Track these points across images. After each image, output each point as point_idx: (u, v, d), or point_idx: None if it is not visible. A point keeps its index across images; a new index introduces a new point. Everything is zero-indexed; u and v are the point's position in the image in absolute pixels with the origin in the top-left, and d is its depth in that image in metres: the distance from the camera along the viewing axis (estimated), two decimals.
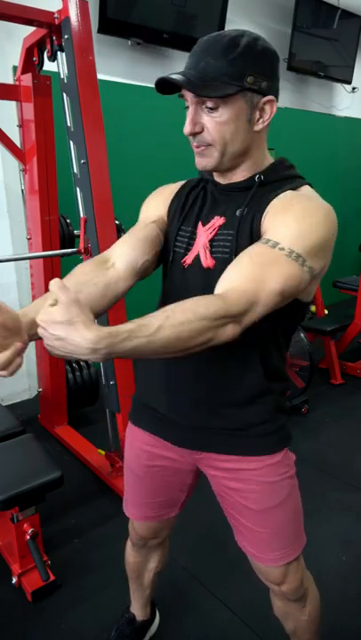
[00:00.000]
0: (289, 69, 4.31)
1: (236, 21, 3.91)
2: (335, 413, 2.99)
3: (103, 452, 2.34)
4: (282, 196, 0.91)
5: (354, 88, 5.18)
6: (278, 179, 0.95)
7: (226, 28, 3.66)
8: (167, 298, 0.99)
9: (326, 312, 3.79)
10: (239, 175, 0.96)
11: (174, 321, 0.73)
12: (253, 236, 0.91)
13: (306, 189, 0.94)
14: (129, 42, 3.35)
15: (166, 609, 1.61)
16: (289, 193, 0.91)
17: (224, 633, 1.55)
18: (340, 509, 2.11)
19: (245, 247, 0.88)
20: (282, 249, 0.83)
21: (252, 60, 0.86)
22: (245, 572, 1.66)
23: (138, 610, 1.47)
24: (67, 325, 0.67)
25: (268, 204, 0.91)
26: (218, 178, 1.00)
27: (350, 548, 1.89)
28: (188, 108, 0.90)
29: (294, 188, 0.92)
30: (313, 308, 3.81)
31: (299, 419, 2.89)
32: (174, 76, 0.85)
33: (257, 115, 0.90)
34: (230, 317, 0.78)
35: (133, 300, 2.29)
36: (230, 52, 0.85)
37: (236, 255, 0.89)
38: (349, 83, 4.96)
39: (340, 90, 5.12)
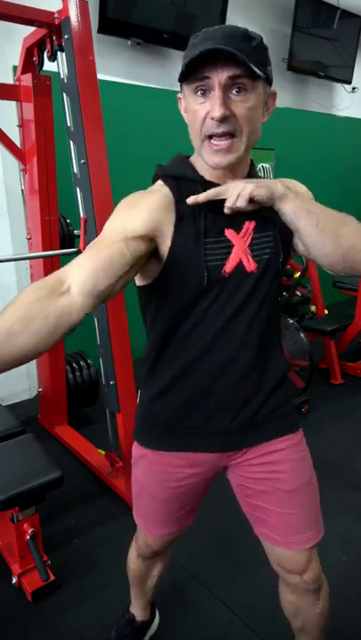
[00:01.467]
0: (289, 69, 4.32)
1: (236, 21, 3.92)
2: (335, 413, 2.99)
3: (103, 452, 2.34)
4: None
5: (354, 88, 5.18)
6: (256, 172, 1.03)
7: None
8: (208, 308, 0.94)
9: (326, 312, 3.79)
10: (238, 173, 0.97)
11: None
12: (289, 234, 0.98)
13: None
14: (129, 42, 3.35)
15: (166, 609, 1.61)
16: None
17: (224, 633, 1.55)
18: (341, 509, 2.11)
19: (286, 245, 0.98)
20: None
21: (267, 52, 0.89)
22: (245, 572, 1.67)
23: (138, 611, 1.47)
24: None
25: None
26: (215, 178, 0.96)
27: (350, 548, 1.89)
28: (203, 92, 0.86)
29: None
30: (313, 308, 3.81)
31: (299, 419, 2.88)
32: (227, 48, 0.80)
33: (265, 107, 0.92)
34: None
35: (134, 303, 2.29)
36: (252, 41, 0.85)
37: (282, 253, 0.97)
38: (349, 83, 4.96)
39: (341, 90, 5.12)
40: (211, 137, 0.88)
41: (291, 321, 2.91)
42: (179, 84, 0.92)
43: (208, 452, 1.05)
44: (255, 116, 0.89)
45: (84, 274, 0.82)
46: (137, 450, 1.13)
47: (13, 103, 2.38)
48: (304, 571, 1.08)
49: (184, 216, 0.93)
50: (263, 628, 1.54)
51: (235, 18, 3.87)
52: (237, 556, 1.70)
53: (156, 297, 1.00)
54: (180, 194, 0.94)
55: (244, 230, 0.96)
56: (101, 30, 3.11)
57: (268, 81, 0.89)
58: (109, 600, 1.65)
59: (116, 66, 3.38)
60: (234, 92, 0.85)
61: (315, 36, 4.35)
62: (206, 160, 0.92)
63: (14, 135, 2.40)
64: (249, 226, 0.95)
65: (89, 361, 2.88)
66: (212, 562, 1.82)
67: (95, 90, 1.91)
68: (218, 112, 0.84)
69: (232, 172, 0.95)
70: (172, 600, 1.66)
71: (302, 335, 2.88)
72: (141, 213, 0.90)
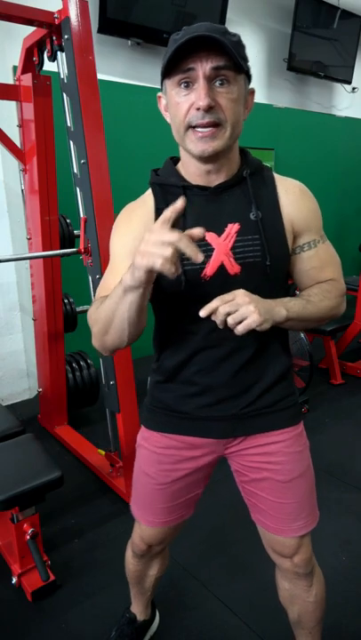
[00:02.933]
0: (289, 69, 4.32)
1: (236, 21, 3.92)
2: (335, 413, 2.99)
3: (103, 452, 2.34)
4: (279, 187, 1.01)
5: (354, 88, 5.18)
6: (256, 168, 1.00)
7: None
8: (196, 310, 0.89)
9: None
10: (224, 173, 0.97)
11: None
12: (282, 234, 0.99)
13: (272, 172, 1.05)
14: (129, 42, 3.35)
15: (166, 609, 1.61)
16: (279, 183, 1.02)
17: (224, 633, 1.55)
18: (340, 509, 2.11)
19: (277, 247, 0.98)
20: (320, 241, 1.05)
21: (245, 49, 0.90)
22: (246, 572, 1.67)
23: (138, 610, 1.47)
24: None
25: (277, 202, 0.99)
26: (200, 181, 0.97)
27: (350, 548, 1.89)
28: (186, 85, 0.87)
29: (272, 174, 1.03)
30: None
31: (301, 413, 2.88)
32: (213, 34, 0.82)
33: (245, 104, 0.94)
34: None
35: None
36: (232, 36, 0.87)
37: (269, 257, 0.96)
38: (349, 83, 4.96)
39: (341, 90, 5.12)
40: (195, 127, 0.88)
41: None
42: (160, 81, 0.94)
43: (206, 437, 1.08)
44: (238, 108, 0.90)
45: None
46: (141, 433, 1.17)
47: (13, 103, 2.38)
48: (294, 554, 1.13)
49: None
50: (263, 628, 1.54)
51: (235, 18, 3.87)
52: (237, 556, 1.70)
53: (152, 298, 1.01)
54: (164, 201, 0.96)
55: (226, 233, 0.95)
56: (101, 30, 3.11)
57: (249, 77, 0.92)
58: (109, 600, 1.65)
59: (116, 66, 3.38)
60: (217, 83, 0.86)
61: (315, 35, 4.35)
62: (191, 149, 0.91)
63: (14, 135, 2.40)
64: (232, 228, 0.94)
65: (89, 361, 2.88)
66: (212, 562, 1.82)
67: (95, 90, 1.91)
68: (204, 101, 0.85)
69: (218, 170, 0.96)
70: (172, 600, 1.66)
71: (302, 335, 2.88)
72: (127, 241, 0.97)
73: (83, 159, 1.92)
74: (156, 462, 1.12)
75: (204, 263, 0.95)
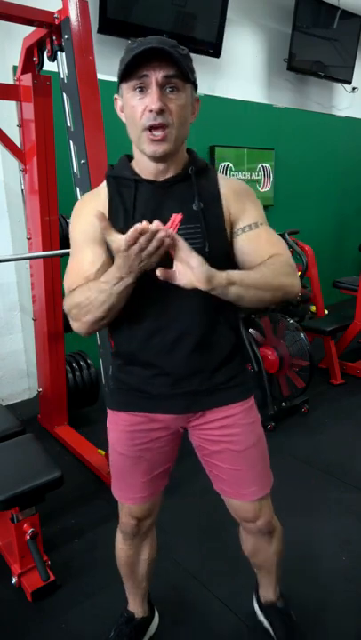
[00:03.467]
0: (289, 69, 4.31)
1: (236, 21, 3.92)
2: (335, 413, 2.99)
3: (103, 452, 2.34)
4: (221, 183, 1.12)
5: (354, 88, 5.18)
6: (201, 167, 1.12)
7: (226, 28, 3.67)
8: (138, 298, 1.04)
9: (326, 312, 3.79)
10: (172, 170, 1.08)
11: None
12: (221, 223, 1.09)
13: (217, 172, 1.17)
14: (129, 42, 3.35)
15: (166, 609, 1.61)
16: (221, 179, 1.13)
17: (224, 633, 1.55)
18: (341, 509, 2.11)
19: (215, 235, 1.07)
20: (261, 224, 1.12)
21: (192, 63, 1.03)
22: (246, 572, 1.66)
23: (136, 607, 1.47)
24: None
25: (219, 195, 1.10)
26: (150, 176, 1.08)
27: (350, 548, 1.89)
28: (141, 90, 0.99)
29: (215, 173, 1.15)
30: (313, 308, 3.81)
31: (299, 419, 2.89)
32: (164, 47, 0.94)
33: (192, 109, 1.06)
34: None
35: None
36: (181, 50, 1.00)
37: (208, 243, 1.05)
38: (349, 83, 4.96)
39: (341, 90, 5.12)
40: (150, 129, 1.00)
41: (291, 321, 2.91)
42: (117, 84, 1.06)
43: (168, 414, 1.18)
44: (185, 112, 1.02)
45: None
46: (108, 416, 1.27)
47: (13, 103, 2.38)
48: (257, 518, 1.27)
49: (116, 210, 1.08)
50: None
51: (235, 18, 3.87)
52: (237, 556, 1.70)
53: None
54: (117, 192, 1.10)
55: (170, 222, 0.99)
56: (101, 30, 3.11)
57: (195, 87, 1.05)
58: (109, 600, 1.65)
59: (116, 66, 3.37)
60: (168, 90, 0.99)
61: (315, 35, 4.35)
62: (144, 149, 1.03)
63: (14, 135, 2.40)
64: (176, 218, 0.98)
65: (89, 361, 2.88)
66: (212, 562, 1.83)
67: (95, 90, 1.92)
68: (156, 105, 0.97)
69: (166, 168, 1.08)
70: (172, 600, 1.66)
71: (302, 335, 2.88)
72: (85, 228, 1.08)
73: (83, 159, 1.92)
74: (127, 440, 1.22)
75: None
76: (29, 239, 2.54)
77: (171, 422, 1.20)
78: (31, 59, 2.18)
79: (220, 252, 1.08)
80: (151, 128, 0.99)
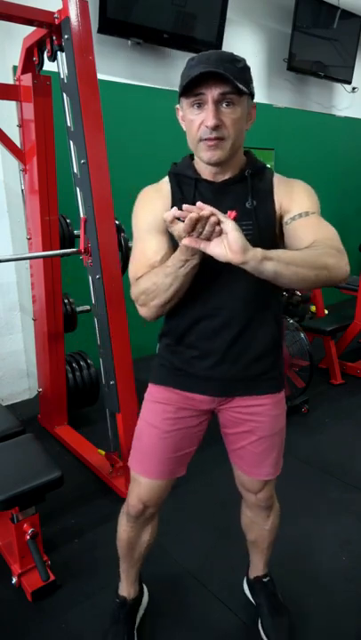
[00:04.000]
0: (289, 69, 4.31)
1: (236, 21, 3.92)
2: (335, 413, 2.99)
3: (103, 452, 2.34)
4: (276, 182, 1.18)
5: (354, 88, 5.18)
6: (258, 170, 1.18)
7: (226, 28, 3.67)
8: (196, 285, 1.11)
9: (326, 312, 3.79)
10: (229, 172, 1.16)
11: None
12: (272, 220, 1.15)
13: (274, 173, 1.22)
14: (129, 42, 3.35)
15: (166, 609, 1.61)
16: (276, 178, 1.19)
17: (224, 633, 1.55)
18: (340, 509, 2.11)
19: (266, 231, 1.13)
20: (313, 213, 1.14)
21: (250, 72, 1.10)
22: (245, 572, 1.67)
23: (127, 588, 1.52)
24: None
25: (271, 192, 1.16)
26: (209, 177, 1.16)
27: (350, 548, 1.89)
28: (199, 105, 1.06)
29: (273, 174, 1.20)
30: (313, 308, 3.81)
31: (299, 419, 2.89)
32: (219, 70, 1.00)
33: (248, 117, 1.13)
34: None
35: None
36: (238, 63, 1.06)
37: (260, 240, 1.07)
38: (349, 83, 4.96)
39: (341, 90, 5.12)
40: (205, 140, 1.08)
41: (291, 321, 2.91)
42: (178, 97, 1.11)
43: (203, 394, 1.26)
44: (240, 124, 1.09)
45: None
46: (149, 389, 1.33)
47: (13, 103, 2.38)
48: (259, 491, 1.39)
49: (177, 205, 1.08)
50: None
51: (235, 18, 3.87)
52: (237, 555, 1.70)
53: None
54: (178, 188, 1.18)
55: (229, 215, 1.05)
56: (101, 30, 3.11)
57: (251, 95, 1.11)
58: (109, 600, 1.65)
59: (116, 66, 3.38)
60: (224, 105, 1.05)
61: (315, 35, 4.34)
62: (201, 156, 1.11)
63: (14, 135, 2.40)
64: (230, 214, 1.02)
65: (89, 361, 2.88)
66: (212, 562, 1.83)
67: (95, 90, 1.91)
68: (211, 122, 1.04)
69: (223, 170, 1.15)
70: (172, 600, 1.66)
71: (302, 335, 2.88)
72: (149, 219, 1.16)
73: (83, 159, 1.92)
74: (161, 411, 1.29)
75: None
76: (29, 239, 2.54)
77: (203, 401, 1.27)
78: (31, 59, 2.17)
79: (271, 248, 1.10)
80: (206, 140, 1.07)
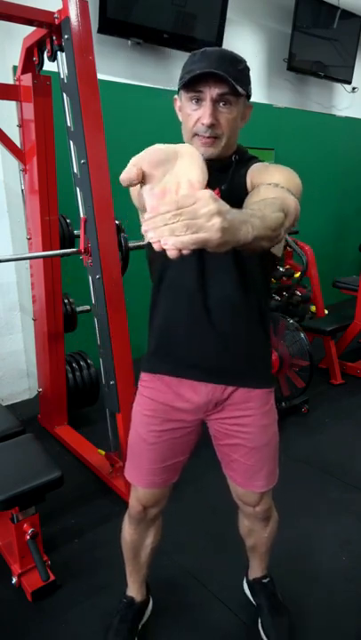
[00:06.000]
0: (289, 69, 4.31)
1: (236, 21, 3.92)
2: (335, 413, 2.99)
3: (103, 452, 2.34)
4: (253, 166, 1.15)
5: (354, 88, 5.18)
6: (245, 159, 1.19)
7: (226, 28, 3.67)
8: (181, 270, 1.15)
9: (326, 312, 3.79)
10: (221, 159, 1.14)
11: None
12: (242, 200, 1.03)
13: (262, 162, 1.19)
14: (129, 42, 3.35)
15: (166, 609, 1.61)
16: (258, 163, 1.17)
17: (224, 632, 1.55)
18: (340, 509, 2.11)
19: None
20: (282, 187, 0.99)
21: (249, 73, 1.12)
22: (245, 572, 1.67)
23: (135, 591, 1.52)
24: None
25: (245, 175, 1.14)
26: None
27: (350, 548, 1.89)
28: (197, 101, 1.07)
29: (258, 161, 1.19)
30: (313, 308, 3.81)
31: (299, 419, 2.89)
32: (219, 72, 1.02)
33: (242, 116, 1.14)
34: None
35: (133, 303, 2.29)
36: (238, 64, 1.08)
37: None
38: (349, 83, 4.96)
39: (341, 90, 5.11)
40: (200, 135, 1.09)
41: (291, 321, 2.91)
42: (177, 87, 1.12)
43: (189, 378, 1.24)
44: (235, 123, 1.11)
45: None
46: (141, 377, 1.33)
47: (13, 103, 2.38)
48: (256, 505, 1.38)
49: None
50: None
51: (235, 18, 3.87)
52: (237, 555, 1.70)
53: (148, 257, 1.26)
54: None
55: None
56: (101, 30, 3.11)
57: (248, 97, 1.13)
58: (109, 600, 1.65)
59: (116, 66, 3.38)
60: (221, 104, 1.07)
61: (315, 35, 4.34)
62: None
63: (14, 135, 2.40)
64: (217, 193, 0.95)
65: (89, 361, 2.88)
66: (212, 561, 1.83)
67: (95, 90, 1.91)
68: (207, 120, 1.06)
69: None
70: (172, 600, 1.66)
71: (302, 335, 2.88)
72: None
73: (83, 159, 1.92)
74: (146, 423, 1.29)
75: None
76: (29, 239, 2.54)
77: (189, 413, 1.27)
78: (31, 59, 2.17)
79: None
80: (201, 136, 1.09)
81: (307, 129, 4.73)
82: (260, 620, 1.54)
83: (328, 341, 3.37)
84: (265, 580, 1.58)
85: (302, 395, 2.96)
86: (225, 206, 0.68)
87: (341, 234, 5.45)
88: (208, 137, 1.08)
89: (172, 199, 0.65)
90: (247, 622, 1.58)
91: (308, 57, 4.39)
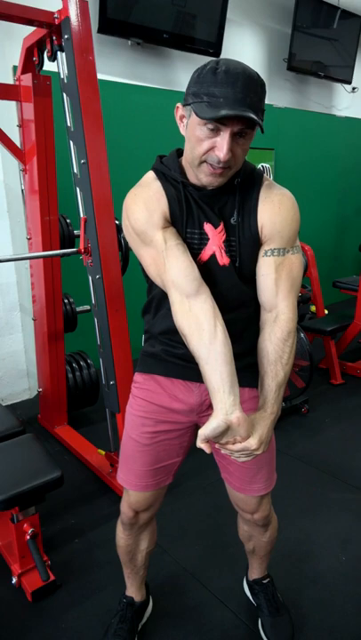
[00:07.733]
0: (289, 69, 4.31)
1: (236, 21, 3.92)
2: (335, 413, 2.99)
3: (103, 452, 2.34)
4: (262, 196, 1.11)
5: (354, 88, 5.18)
6: (246, 176, 1.12)
7: (226, 28, 3.67)
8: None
9: (326, 312, 3.79)
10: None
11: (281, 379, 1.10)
12: (254, 238, 1.11)
13: (267, 181, 1.16)
14: (129, 42, 3.35)
15: (166, 609, 1.61)
16: (263, 192, 1.11)
17: (224, 632, 1.55)
18: (341, 509, 2.11)
19: (250, 251, 1.11)
20: (288, 251, 1.12)
21: (265, 94, 1.02)
22: (245, 572, 1.67)
23: (134, 592, 1.52)
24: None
25: (256, 211, 1.10)
26: (197, 183, 1.09)
27: (350, 548, 1.89)
28: (213, 129, 0.97)
29: (261, 183, 1.13)
30: (313, 308, 3.81)
31: (299, 419, 2.89)
32: (248, 114, 0.93)
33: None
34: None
35: (133, 303, 2.29)
36: (261, 91, 0.99)
37: (239, 260, 1.11)
38: (349, 83, 4.96)
39: (341, 90, 5.12)
40: (210, 164, 1.02)
41: None
42: (184, 98, 1.03)
43: (189, 380, 1.23)
44: (245, 153, 1.06)
45: (196, 274, 1.08)
46: (135, 378, 1.33)
47: (13, 103, 2.38)
48: (255, 511, 1.36)
49: (171, 205, 1.09)
50: None
51: (235, 18, 3.87)
52: (237, 555, 1.71)
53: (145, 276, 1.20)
54: (167, 187, 1.11)
55: (219, 228, 1.08)
56: (101, 30, 3.11)
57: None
58: (109, 600, 1.65)
59: (116, 66, 3.38)
60: (238, 136, 1.00)
61: (315, 35, 4.34)
62: (200, 178, 1.06)
63: (14, 135, 2.40)
64: (222, 226, 1.02)
65: (89, 361, 2.88)
66: (211, 561, 1.83)
67: (95, 90, 1.91)
68: (225, 156, 0.98)
69: None
70: (171, 599, 1.66)
71: (302, 335, 2.88)
72: (156, 220, 1.08)
73: (83, 159, 1.92)
74: (140, 424, 1.27)
75: (200, 249, 1.11)
76: (29, 239, 2.54)
77: (182, 415, 1.25)
78: (31, 59, 2.18)
79: (249, 268, 1.13)
80: (211, 165, 1.02)
81: (307, 129, 4.73)
82: (260, 621, 1.54)
83: (328, 341, 3.37)
84: (265, 581, 1.58)
85: (302, 395, 2.96)
86: (264, 436, 1.04)
87: (341, 234, 5.45)
88: (221, 168, 1.02)
89: (239, 447, 1.02)
90: (247, 622, 1.58)
91: (308, 57, 4.39)
